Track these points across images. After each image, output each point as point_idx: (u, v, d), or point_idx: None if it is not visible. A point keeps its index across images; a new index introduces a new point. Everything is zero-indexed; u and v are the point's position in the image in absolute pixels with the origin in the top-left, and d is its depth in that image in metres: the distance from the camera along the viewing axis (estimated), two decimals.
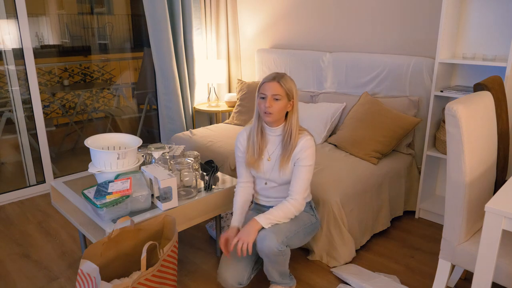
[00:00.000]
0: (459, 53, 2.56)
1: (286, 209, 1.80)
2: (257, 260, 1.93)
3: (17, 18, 2.84)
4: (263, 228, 1.76)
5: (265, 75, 3.69)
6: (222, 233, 2.34)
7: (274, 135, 1.89)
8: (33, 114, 3.03)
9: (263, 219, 1.76)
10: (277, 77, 1.79)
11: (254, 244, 1.89)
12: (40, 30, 3.69)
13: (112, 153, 1.94)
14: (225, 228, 2.36)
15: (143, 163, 2.25)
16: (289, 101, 1.81)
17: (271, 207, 1.95)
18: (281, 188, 1.93)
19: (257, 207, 2.06)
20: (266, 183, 1.95)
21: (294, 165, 1.85)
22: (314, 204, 2.20)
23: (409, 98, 2.68)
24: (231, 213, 2.43)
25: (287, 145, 1.83)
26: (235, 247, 1.80)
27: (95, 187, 1.90)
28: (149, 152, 2.19)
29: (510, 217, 1.27)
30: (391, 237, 2.50)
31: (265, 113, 1.79)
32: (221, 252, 2.29)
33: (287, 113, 1.85)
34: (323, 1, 3.23)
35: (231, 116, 3.57)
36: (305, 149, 1.82)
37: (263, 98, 1.80)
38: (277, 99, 1.78)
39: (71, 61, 4.02)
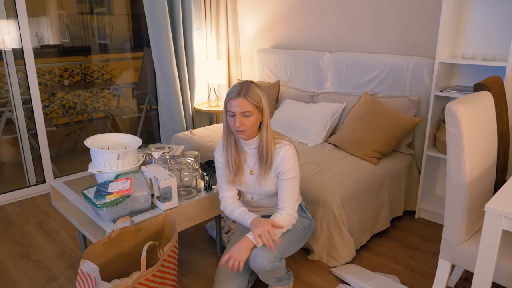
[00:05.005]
0: (459, 53, 2.56)
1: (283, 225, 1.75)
2: (253, 272, 1.91)
3: (17, 18, 2.84)
4: (259, 248, 1.70)
5: (265, 75, 3.70)
6: (223, 234, 2.34)
7: (250, 147, 1.78)
8: (33, 114, 3.03)
9: (254, 238, 1.69)
10: (242, 92, 1.64)
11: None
12: (40, 30, 3.68)
13: (112, 153, 1.94)
14: (225, 228, 2.36)
15: (143, 163, 2.25)
16: (260, 113, 1.70)
17: (262, 217, 1.93)
18: (268, 200, 1.88)
19: None
20: (252, 198, 1.89)
21: (278, 177, 1.77)
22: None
23: (409, 98, 2.68)
24: None
25: (263, 157, 1.73)
26: (226, 262, 1.75)
27: (95, 187, 1.90)
28: (149, 152, 2.19)
29: (510, 217, 1.27)
30: (391, 237, 2.50)
31: (238, 131, 1.68)
32: (221, 253, 2.29)
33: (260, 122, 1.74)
34: (323, 1, 3.23)
35: None
36: (286, 161, 1.72)
37: (232, 116, 1.67)
38: (247, 116, 1.65)
39: (71, 61, 4.02)
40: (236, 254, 1.66)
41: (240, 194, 1.97)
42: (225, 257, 1.68)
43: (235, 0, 3.85)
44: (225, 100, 1.70)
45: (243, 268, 1.84)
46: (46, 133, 3.10)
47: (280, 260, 1.72)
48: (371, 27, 2.98)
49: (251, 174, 1.82)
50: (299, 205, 1.94)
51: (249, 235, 1.70)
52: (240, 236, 1.95)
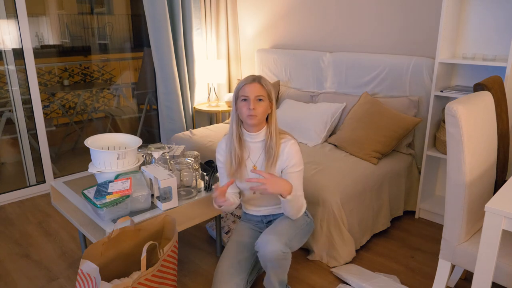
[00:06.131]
0: (459, 53, 2.56)
1: (300, 203, 1.79)
2: (251, 272, 1.90)
3: (17, 18, 2.84)
4: (268, 234, 1.69)
5: (265, 75, 3.70)
6: (224, 234, 2.34)
7: (254, 141, 1.82)
8: (33, 114, 3.03)
9: (293, 191, 1.70)
10: (257, 79, 1.75)
11: (249, 255, 1.88)
12: (40, 30, 3.68)
13: (112, 153, 1.94)
14: (225, 228, 2.36)
15: (143, 163, 2.25)
16: (270, 103, 1.77)
17: (262, 216, 1.96)
18: (269, 196, 1.88)
19: (247, 217, 2.02)
20: (254, 192, 1.88)
21: (282, 172, 1.80)
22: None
23: (409, 98, 2.68)
24: (232, 213, 2.43)
25: (270, 149, 1.77)
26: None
27: (95, 187, 1.90)
28: (149, 152, 2.19)
29: (510, 217, 1.27)
30: (391, 237, 2.50)
31: (249, 115, 1.72)
32: (221, 252, 2.29)
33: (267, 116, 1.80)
34: (323, 1, 3.23)
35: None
36: (292, 156, 1.77)
37: (244, 100, 1.73)
38: (260, 100, 1.73)
39: (71, 61, 4.01)
40: (270, 184, 1.63)
41: (240, 194, 1.97)
42: (264, 174, 1.65)
43: (235, 0, 3.85)
44: (237, 88, 1.77)
45: (242, 268, 1.84)
46: (46, 133, 3.10)
47: (289, 248, 1.72)
48: (371, 27, 2.98)
49: (254, 168, 1.83)
50: None
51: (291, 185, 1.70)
52: (239, 236, 1.95)
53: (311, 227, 1.95)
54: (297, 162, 1.79)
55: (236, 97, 1.78)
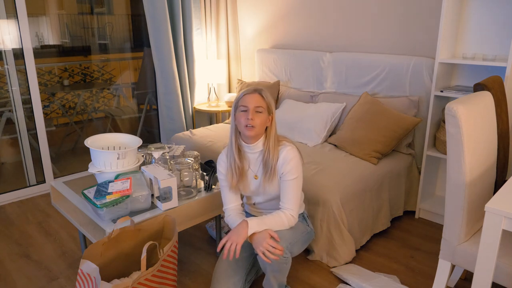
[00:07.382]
0: (459, 53, 2.56)
1: (280, 220, 1.73)
2: (250, 272, 1.91)
3: (17, 18, 2.84)
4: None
5: (265, 75, 3.70)
6: (223, 234, 2.34)
7: (253, 152, 1.79)
8: (33, 114, 3.03)
9: (254, 224, 1.68)
10: (257, 90, 1.73)
11: (247, 254, 1.88)
12: (40, 30, 3.68)
13: (112, 153, 1.94)
14: (225, 228, 2.36)
15: (143, 163, 2.25)
16: (269, 115, 1.74)
17: None
18: (273, 202, 1.88)
19: (248, 218, 2.03)
20: (256, 201, 1.89)
21: (280, 179, 1.77)
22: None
23: (409, 98, 2.68)
24: None
25: (268, 161, 1.75)
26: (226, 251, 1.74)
27: (95, 187, 1.90)
28: (149, 152, 2.19)
29: (510, 217, 1.27)
30: (391, 237, 2.50)
31: (247, 126, 1.68)
32: (220, 252, 2.29)
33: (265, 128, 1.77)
34: (323, 1, 3.23)
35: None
36: (288, 161, 1.73)
37: (244, 111, 1.70)
38: (259, 112, 1.69)
39: (71, 61, 4.02)
40: (233, 237, 1.65)
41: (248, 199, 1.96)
42: (223, 241, 1.66)
43: (235, 0, 3.85)
44: (237, 99, 1.74)
45: (240, 267, 1.84)
46: (46, 133, 3.10)
47: (289, 253, 1.72)
48: (371, 27, 2.98)
49: (255, 178, 1.82)
50: (302, 213, 1.94)
51: (249, 220, 1.68)
52: None
53: (311, 236, 1.95)
54: (293, 168, 1.74)
55: (236, 108, 1.74)
